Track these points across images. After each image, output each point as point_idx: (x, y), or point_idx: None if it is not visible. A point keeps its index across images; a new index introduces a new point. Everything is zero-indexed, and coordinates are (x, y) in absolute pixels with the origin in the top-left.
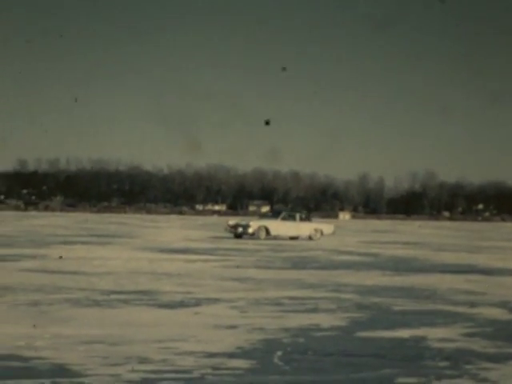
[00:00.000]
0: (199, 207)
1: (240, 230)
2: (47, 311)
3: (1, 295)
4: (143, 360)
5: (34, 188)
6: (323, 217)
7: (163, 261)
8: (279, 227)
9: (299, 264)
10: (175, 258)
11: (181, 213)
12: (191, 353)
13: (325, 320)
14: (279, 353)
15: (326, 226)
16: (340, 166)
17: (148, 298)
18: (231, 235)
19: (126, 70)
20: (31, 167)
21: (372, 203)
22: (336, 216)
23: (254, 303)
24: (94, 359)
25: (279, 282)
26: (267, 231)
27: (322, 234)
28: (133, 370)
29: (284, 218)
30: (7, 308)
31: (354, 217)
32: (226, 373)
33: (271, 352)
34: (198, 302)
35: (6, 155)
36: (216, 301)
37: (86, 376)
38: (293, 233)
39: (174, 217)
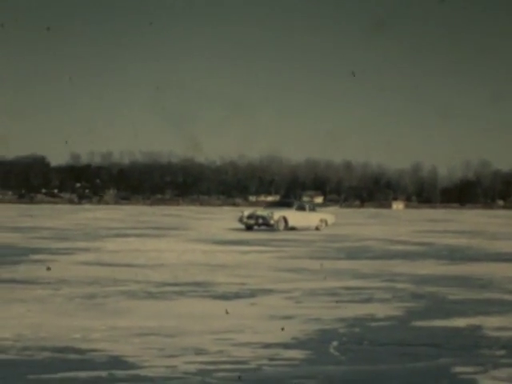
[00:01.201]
0: (252, 198)
1: (260, 220)
2: (103, 303)
3: (57, 288)
4: (199, 351)
5: (87, 181)
6: (376, 207)
7: (217, 252)
8: (295, 218)
9: (353, 254)
10: (229, 249)
11: (234, 204)
12: (247, 344)
13: (380, 310)
14: (335, 343)
15: (329, 216)
16: (393, 155)
17: (203, 290)
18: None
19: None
20: (84, 161)
21: (425, 192)
22: (389, 206)
23: (310, 294)
24: (150, 351)
25: (334, 273)
26: (286, 222)
27: (326, 224)
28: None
29: (298, 208)
30: (63, 301)
31: (407, 206)
32: (282, 363)
33: (327, 342)
34: (253, 293)
35: (59, 149)
36: (271, 292)
37: (142, 368)
38: (305, 223)
39: (227, 208)
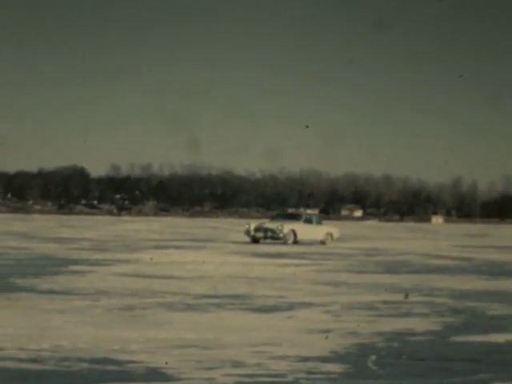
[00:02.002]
0: (291, 211)
1: (269, 233)
2: (141, 315)
3: (95, 299)
4: (237, 364)
5: (126, 193)
6: (416, 221)
7: (256, 265)
8: (303, 231)
9: (392, 268)
10: (268, 262)
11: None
12: (285, 357)
13: (419, 324)
14: (373, 357)
15: (334, 230)
16: (433, 170)
17: (241, 302)
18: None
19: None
20: (124, 172)
21: (465, 207)
22: (429, 220)
23: (348, 307)
24: (188, 363)
25: (372, 287)
26: (295, 235)
27: (332, 237)
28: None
29: (305, 221)
30: (102, 312)
31: (446, 221)
32: (320, 377)
33: (365, 356)
34: (290, 306)
35: (99, 161)
36: (309, 305)
37: (180, 380)
38: (312, 236)
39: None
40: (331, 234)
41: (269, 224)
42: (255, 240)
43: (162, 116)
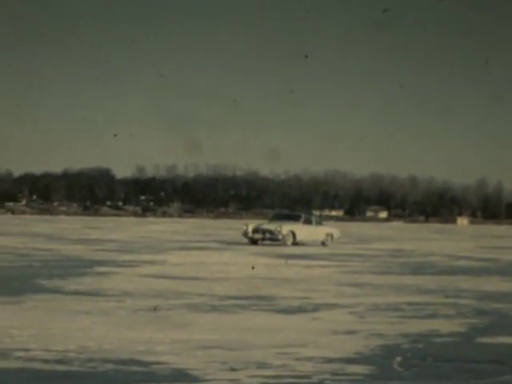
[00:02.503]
0: (316, 212)
1: (268, 235)
2: (166, 316)
3: (121, 301)
4: (262, 365)
5: (151, 194)
6: (441, 222)
7: (280, 266)
8: (303, 232)
9: (417, 269)
10: (292, 263)
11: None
12: (310, 358)
13: (444, 326)
14: (398, 358)
15: (335, 231)
16: (458, 171)
17: (266, 304)
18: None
19: None
20: (149, 174)
21: (490, 208)
22: (454, 221)
23: (373, 309)
24: (213, 364)
25: (397, 288)
26: (294, 236)
27: (332, 238)
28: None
29: (305, 222)
30: (127, 313)
31: (472, 222)
32: (345, 378)
33: (390, 358)
34: (316, 308)
35: (124, 162)
36: (334, 306)
37: (206, 381)
38: (312, 238)
39: None
40: (331, 235)
41: (267, 225)
42: (253, 241)
43: (186, 118)
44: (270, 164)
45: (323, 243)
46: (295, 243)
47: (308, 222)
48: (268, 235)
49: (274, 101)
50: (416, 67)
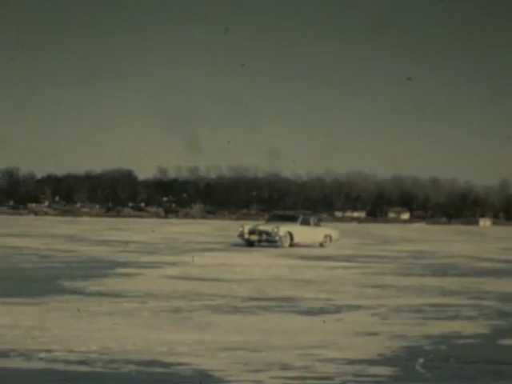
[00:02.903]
0: (338, 214)
1: (264, 236)
2: (189, 317)
3: (143, 302)
4: (284, 366)
5: (174, 196)
6: (463, 223)
7: (303, 268)
8: (301, 233)
9: (439, 271)
10: (315, 264)
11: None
12: (332, 359)
13: (467, 327)
14: (421, 360)
15: (333, 232)
16: (480, 172)
17: (288, 305)
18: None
19: None
20: (171, 175)
21: None
22: (476, 223)
23: (395, 310)
24: (236, 365)
25: (420, 289)
26: (291, 237)
27: (330, 240)
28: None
29: (303, 223)
30: (150, 314)
31: (494, 223)
32: (368, 380)
33: (413, 359)
34: (338, 309)
35: (147, 163)
36: (357, 308)
37: (228, 382)
38: (310, 239)
39: None
40: (330, 237)
41: (264, 226)
42: (250, 243)
43: (210, 120)
44: (291, 166)
45: (321, 245)
46: (292, 245)
47: (306, 222)
48: (265, 236)
49: (293, 102)
50: (434, 68)
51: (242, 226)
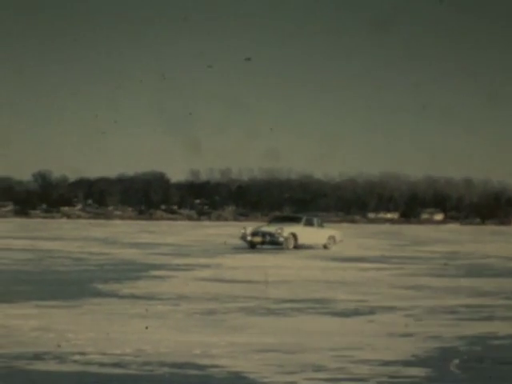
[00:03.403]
0: (371, 215)
1: (268, 238)
2: (222, 320)
3: (176, 304)
4: (319, 368)
5: (206, 198)
6: (497, 224)
7: (336, 269)
8: (305, 234)
9: (474, 271)
10: (348, 266)
11: (353, 221)
12: (367, 361)
13: (502, 328)
14: (456, 361)
15: (337, 233)
16: None
17: (322, 307)
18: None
19: None
20: (204, 177)
21: None
22: (510, 223)
23: (429, 311)
24: (270, 367)
25: (454, 290)
26: (295, 239)
27: (334, 241)
28: (308, 378)
29: (306, 224)
30: (184, 317)
31: None
32: (402, 381)
33: (447, 360)
34: (372, 310)
35: (179, 166)
36: (390, 309)
37: None
38: (313, 241)
39: (345, 225)
40: (334, 238)
41: (267, 228)
42: (253, 245)
43: (239, 125)
44: (323, 167)
45: (325, 246)
46: (296, 246)
47: (309, 224)
48: (268, 238)
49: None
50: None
51: (245, 228)
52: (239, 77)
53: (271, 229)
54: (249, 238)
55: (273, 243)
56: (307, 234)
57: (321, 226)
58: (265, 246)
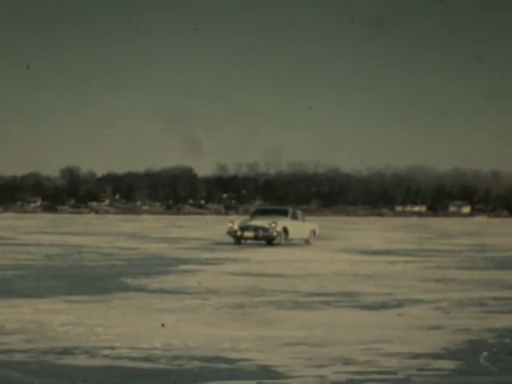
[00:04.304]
0: (399, 209)
1: (261, 232)
2: (251, 313)
3: (206, 298)
4: (348, 361)
5: (234, 192)
6: None
7: (364, 262)
8: (293, 228)
9: (502, 264)
10: (376, 259)
11: (380, 215)
12: (396, 354)
13: None
14: (485, 353)
15: (316, 226)
16: None
17: (350, 300)
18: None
19: None
20: (231, 171)
21: None
22: None
23: (458, 304)
24: (299, 360)
25: (482, 283)
26: (286, 233)
27: (314, 235)
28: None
29: (293, 217)
30: (212, 311)
31: None
32: (432, 374)
33: (477, 353)
34: (400, 303)
35: (206, 160)
36: (418, 302)
37: (292, 377)
38: (299, 234)
39: (372, 219)
40: (314, 232)
41: (257, 221)
42: (239, 240)
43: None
44: (351, 161)
45: (307, 241)
46: (286, 240)
47: (295, 217)
48: (262, 233)
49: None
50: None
51: (233, 222)
52: (249, 73)
53: (264, 223)
54: (239, 233)
55: (266, 238)
56: (295, 227)
57: (303, 219)
58: (249, 241)
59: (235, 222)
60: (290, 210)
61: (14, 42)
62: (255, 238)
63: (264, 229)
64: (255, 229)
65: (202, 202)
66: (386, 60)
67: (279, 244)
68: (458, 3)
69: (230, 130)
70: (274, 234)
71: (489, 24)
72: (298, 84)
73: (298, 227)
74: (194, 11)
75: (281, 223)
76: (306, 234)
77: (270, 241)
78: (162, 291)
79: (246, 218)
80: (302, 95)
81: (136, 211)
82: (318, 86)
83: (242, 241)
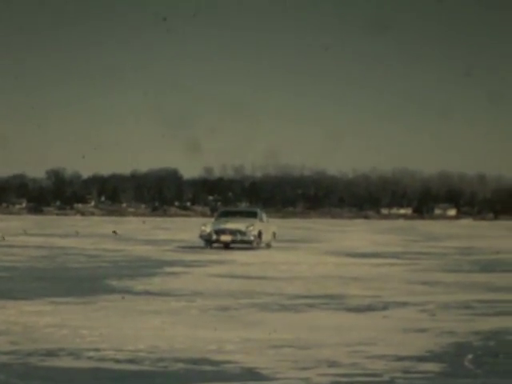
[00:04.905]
0: (384, 211)
1: (239, 236)
2: (237, 316)
3: (191, 300)
4: (333, 363)
5: (219, 194)
6: (510, 219)
7: (350, 265)
8: (264, 231)
9: (488, 267)
10: (362, 262)
11: (366, 217)
12: (381, 356)
13: None
14: (470, 356)
15: (276, 228)
16: None
17: (335, 302)
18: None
19: None
20: (217, 174)
21: None
22: None
23: (443, 306)
24: (284, 363)
25: (468, 286)
26: (260, 236)
27: (274, 237)
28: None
29: (261, 219)
30: (198, 313)
31: None
32: (417, 376)
33: (462, 355)
34: (385, 306)
35: (192, 163)
36: (404, 304)
37: (276, 380)
38: (266, 237)
39: (358, 221)
40: (275, 234)
41: (231, 224)
42: (211, 244)
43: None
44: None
45: (268, 245)
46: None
47: (262, 219)
48: (239, 237)
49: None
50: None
51: (205, 225)
52: (246, 73)
53: (239, 226)
54: (214, 238)
55: (244, 242)
56: (264, 230)
57: (268, 220)
58: (215, 245)
59: (207, 224)
60: (259, 211)
61: (4, 40)
62: (233, 241)
63: (241, 232)
64: (232, 232)
65: (188, 203)
66: (375, 63)
67: (257, 248)
68: (457, 3)
69: (222, 133)
70: (251, 237)
71: (489, 24)
72: (289, 87)
73: (266, 229)
74: (194, 11)
75: (256, 226)
76: (269, 236)
77: (247, 244)
78: (148, 293)
79: (216, 221)
80: (293, 99)
81: (121, 213)
82: (308, 87)
83: (214, 244)
